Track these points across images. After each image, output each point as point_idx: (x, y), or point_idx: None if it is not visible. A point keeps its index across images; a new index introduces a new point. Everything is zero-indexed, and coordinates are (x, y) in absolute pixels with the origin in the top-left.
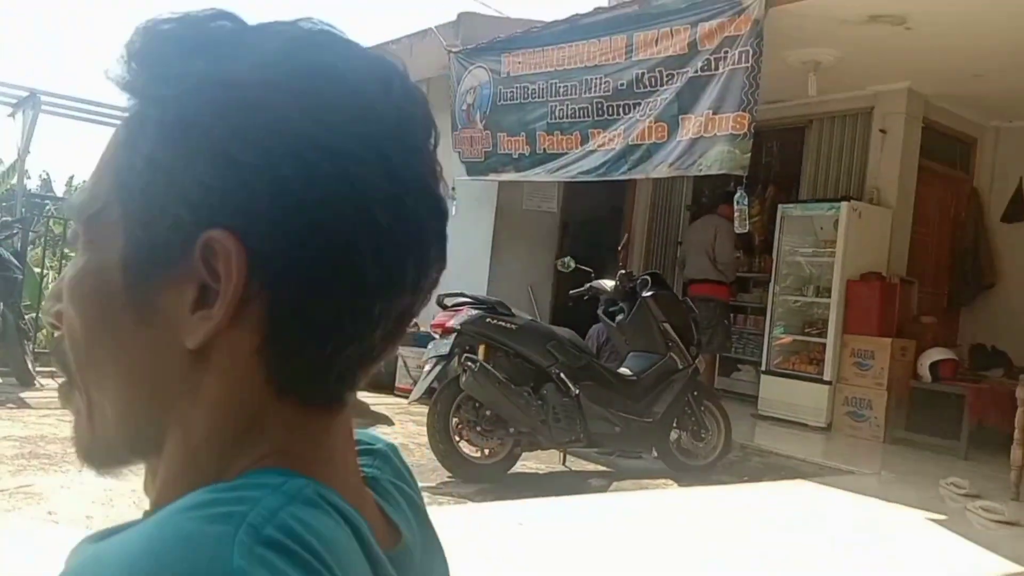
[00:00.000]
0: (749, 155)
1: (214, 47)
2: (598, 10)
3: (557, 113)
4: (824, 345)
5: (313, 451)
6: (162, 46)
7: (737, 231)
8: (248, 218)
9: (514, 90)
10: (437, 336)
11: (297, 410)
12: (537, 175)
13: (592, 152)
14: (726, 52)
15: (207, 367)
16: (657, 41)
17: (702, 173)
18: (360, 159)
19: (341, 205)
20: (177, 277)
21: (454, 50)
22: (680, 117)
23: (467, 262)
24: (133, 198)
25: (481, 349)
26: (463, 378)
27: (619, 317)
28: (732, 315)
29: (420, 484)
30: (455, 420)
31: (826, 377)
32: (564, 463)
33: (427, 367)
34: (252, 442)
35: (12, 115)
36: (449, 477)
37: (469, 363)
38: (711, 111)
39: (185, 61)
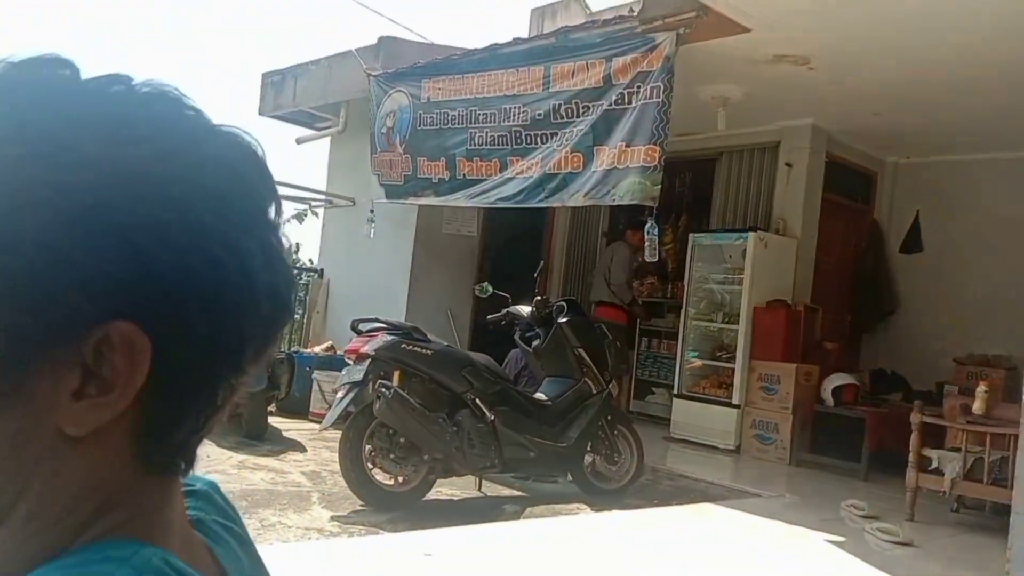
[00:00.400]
0: (659, 186)
1: (109, 128)
2: (517, 40)
3: (476, 140)
4: (733, 370)
5: (159, 517)
6: (57, 125)
7: (648, 259)
8: (151, 310)
9: (434, 115)
10: (351, 362)
11: (149, 480)
12: (457, 200)
13: (511, 179)
14: (639, 87)
15: (74, 447)
16: (573, 73)
17: (615, 203)
18: (251, 252)
19: (233, 294)
20: (57, 363)
21: (374, 73)
22: (595, 148)
23: (385, 285)
24: (14, 281)
25: (396, 375)
26: (376, 405)
27: (536, 342)
28: (631, 338)
29: (331, 513)
30: (368, 447)
31: (735, 401)
32: (480, 489)
33: (339, 394)
34: (105, 514)
35: None
36: (362, 506)
37: (383, 389)
38: (624, 143)
39: (82, 142)
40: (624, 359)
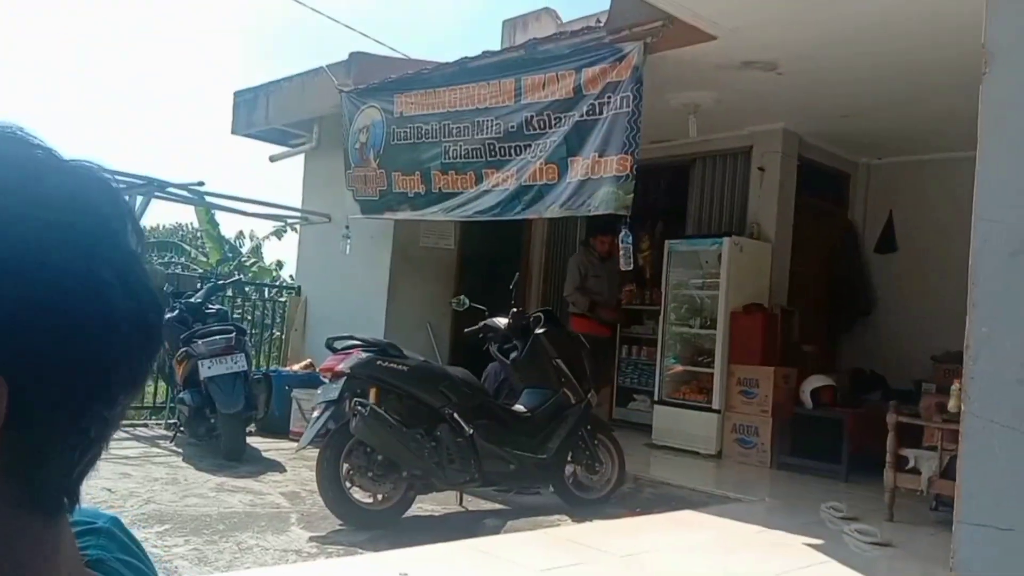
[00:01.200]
0: (632, 195)
1: None
2: (486, 54)
3: (451, 153)
4: (712, 375)
5: (43, 559)
6: None
7: (623, 268)
8: (1, 348)
9: (407, 130)
10: (327, 380)
11: (26, 522)
12: (434, 214)
13: (487, 192)
14: (609, 97)
15: None
16: (544, 85)
17: (591, 213)
18: (107, 283)
19: (89, 325)
20: None
21: (346, 89)
22: (569, 159)
23: (364, 300)
24: None
25: (372, 392)
26: (353, 422)
27: (513, 354)
28: (600, 351)
29: (310, 534)
30: (346, 466)
31: (715, 406)
32: (461, 503)
33: (315, 413)
34: None
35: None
36: (341, 525)
37: (359, 407)
38: (597, 153)
39: None
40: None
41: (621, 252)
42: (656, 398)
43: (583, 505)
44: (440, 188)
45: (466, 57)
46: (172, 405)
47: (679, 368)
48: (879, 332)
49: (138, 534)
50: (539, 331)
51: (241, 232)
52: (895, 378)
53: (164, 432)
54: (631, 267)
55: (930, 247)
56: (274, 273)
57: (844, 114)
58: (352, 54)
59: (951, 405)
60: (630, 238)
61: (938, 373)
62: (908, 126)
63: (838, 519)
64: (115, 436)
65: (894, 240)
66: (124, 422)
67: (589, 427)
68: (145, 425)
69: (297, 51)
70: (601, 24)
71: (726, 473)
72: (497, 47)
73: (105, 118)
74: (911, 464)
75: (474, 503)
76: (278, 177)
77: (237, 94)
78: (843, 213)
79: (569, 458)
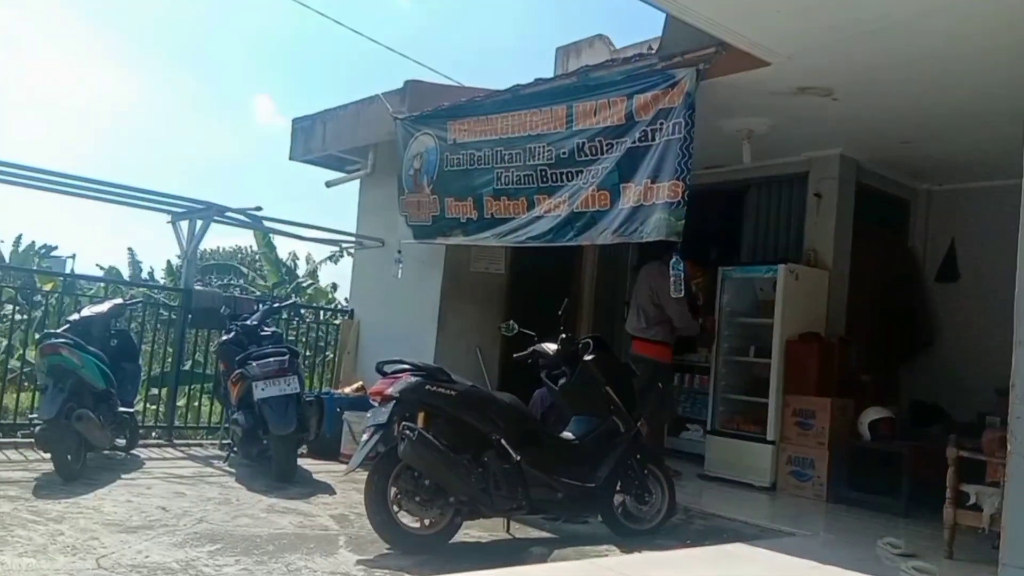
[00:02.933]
0: (683, 222)
1: None
2: (539, 81)
3: (503, 179)
4: (767, 405)
5: None
6: None
7: (673, 295)
8: None
9: (460, 156)
10: (376, 404)
11: None
12: (486, 239)
13: (539, 218)
14: (661, 123)
15: None
16: (596, 112)
17: (643, 240)
18: None
19: None
20: None
21: (400, 116)
22: (621, 186)
23: (414, 325)
24: None
25: (420, 416)
26: (401, 446)
27: (562, 381)
28: (674, 376)
29: (358, 557)
30: (394, 490)
31: (770, 437)
32: (508, 531)
33: (364, 436)
34: None
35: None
36: (388, 549)
37: (407, 431)
38: (649, 180)
39: None
40: (664, 401)
41: (672, 279)
42: (709, 428)
43: (632, 536)
44: (492, 214)
45: (519, 84)
46: (226, 426)
47: (732, 398)
48: (940, 363)
49: (190, 553)
50: (588, 357)
51: (294, 254)
52: (958, 410)
53: (218, 452)
54: (682, 294)
55: (994, 276)
56: (329, 295)
57: (904, 140)
58: (407, 82)
59: None
60: (681, 265)
61: (1003, 406)
62: (971, 152)
63: (895, 556)
64: (170, 455)
65: (956, 268)
66: (179, 441)
67: (639, 456)
68: (200, 445)
69: (353, 79)
70: (653, 51)
71: (780, 506)
72: (550, 74)
73: (171, 146)
74: (972, 500)
75: (521, 531)
76: (334, 202)
77: (295, 121)
78: (903, 240)
79: (618, 487)
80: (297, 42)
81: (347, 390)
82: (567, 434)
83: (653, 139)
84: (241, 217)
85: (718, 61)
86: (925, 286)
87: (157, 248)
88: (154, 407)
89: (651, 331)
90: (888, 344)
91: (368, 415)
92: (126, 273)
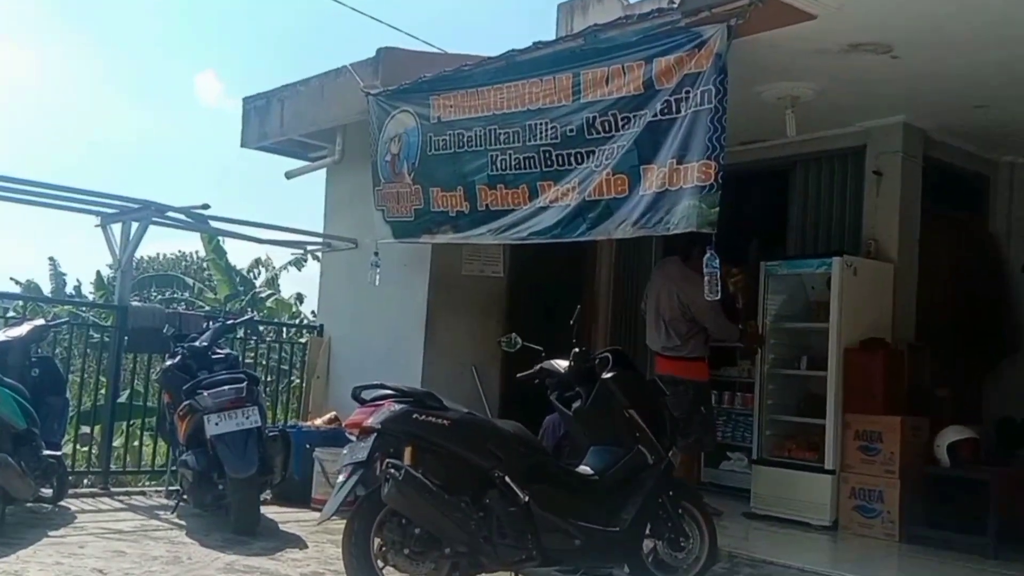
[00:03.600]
0: (717, 209)
1: None
2: (538, 45)
3: (499, 164)
4: (824, 427)
5: None
6: None
7: (708, 297)
8: None
9: (447, 137)
10: (354, 438)
11: None
12: (481, 236)
13: (544, 209)
14: (687, 92)
15: None
16: (608, 80)
17: (669, 232)
18: None
19: None
20: None
21: (373, 92)
22: (641, 168)
23: (396, 341)
24: None
25: (407, 452)
26: (385, 488)
27: (576, 404)
28: (712, 397)
29: None
30: (377, 541)
31: (828, 465)
32: None
33: (340, 477)
34: None
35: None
36: None
37: (392, 470)
38: (675, 160)
39: None
40: (709, 428)
41: (706, 279)
42: (755, 456)
43: None
44: (487, 205)
45: (514, 50)
46: (173, 469)
47: (782, 419)
48: None
49: None
50: (607, 375)
51: (257, 260)
52: None
53: (164, 501)
54: (718, 296)
55: None
56: (293, 309)
57: (979, 103)
58: (380, 50)
59: None
60: (716, 261)
61: None
62: None
63: None
64: (106, 506)
65: None
66: (117, 489)
67: (671, 493)
68: (142, 493)
69: (315, 49)
70: (675, 4)
71: (843, 549)
72: (551, 36)
73: (82, 130)
74: None
75: None
76: (296, 196)
77: (247, 100)
78: (982, 225)
79: (647, 531)
80: (245, 6)
81: (318, 422)
82: (584, 468)
83: (678, 111)
84: (185, 217)
85: (753, 15)
86: (1011, 279)
87: (84, 257)
88: (85, 449)
89: (686, 347)
90: (968, 351)
91: (344, 452)
92: (47, 288)
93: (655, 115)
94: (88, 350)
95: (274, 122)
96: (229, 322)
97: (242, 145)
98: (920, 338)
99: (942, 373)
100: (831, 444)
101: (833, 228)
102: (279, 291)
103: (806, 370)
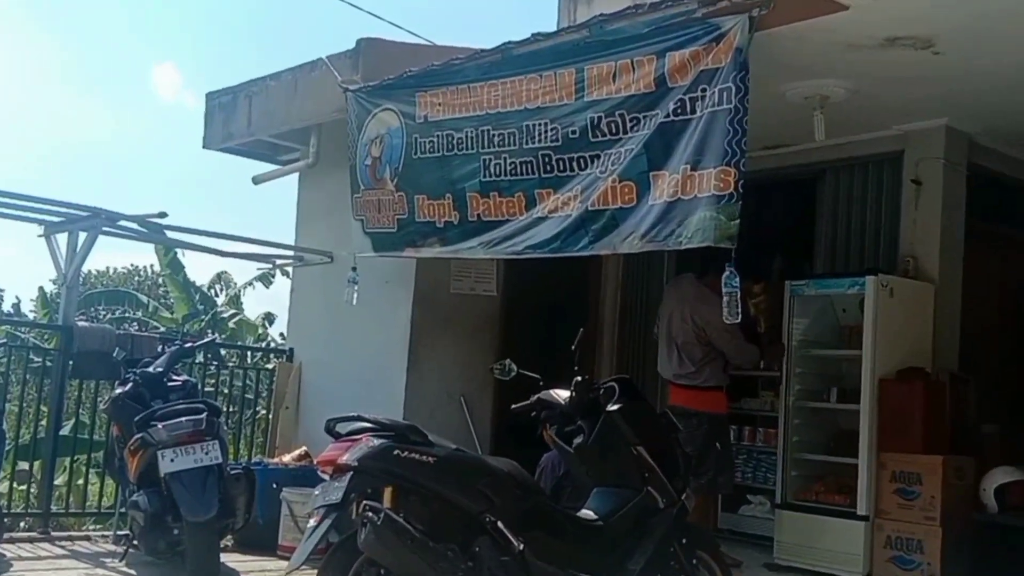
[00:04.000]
0: (737, 222)
1: None
2: (537, 37)
3: (492, 169)
4: (856, 467)
5: None
6: None
7: (727, 320)
8: None
9: (434, 139)
10: (327, 476)
11: None
12: (471, 250)
13: (542, 219)
14: (703, 90)
15: None
16: (615, 76)
17: (682, 246)
18: None
19: None
20: None
21: (352, 88)
22: (651, 174)
23: (376, 367)
24: None
25: (387, 493)
26: (362, 534)
27: (578, 440)
28: (731, 432)
29: None
30: None
31: (861, 511)
32: None
33: (312, 521)
34: None
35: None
36: None
37: (370, 513)
38: (689, 166)
39: None
40: (725, 467)
41: (725, 300)
42: (779, 500)
43: None
44: (479, 215)
45: (511, 42)
46: (122, 511)
47: (809, 458)
48: None
49: None
50: (612, 407)
51: (218, 276)
52: None
53: (112, 547)
54: (738, 319)
55: None
56: (260, 330)
57: None
58: (361, 41)
59: None
60: (737, 279)
61: None
62: None
63: None
64: (46, 552)
65: None
66: (58, 533)
67: (685, 540)
68: (86, 538)
69: (287, 39)
70: None
71: None
72: (552, 27)
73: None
74: None
75: None
76: (264, 204)
77: (211, 96)
78: None
79: None
80: None
81: (286, 459)
82: (587, 512)
83: (693, 111)
84: (138, 227)
85: (778, 4)
86: None
87: (24, 271)
88: (23, 487)
89: (700, 375)
90: (1018, 382)
91: (316, 492)
92: None
93: (667, 116)
94: (28, 376)
95: (241, 121)
96: (187, 345)
97: (204, 146)
98: (965, 368)
99: (989, 407)
100: (864, 487)
101: (867, 243)
102: (243, 311)
103: (836, 403)
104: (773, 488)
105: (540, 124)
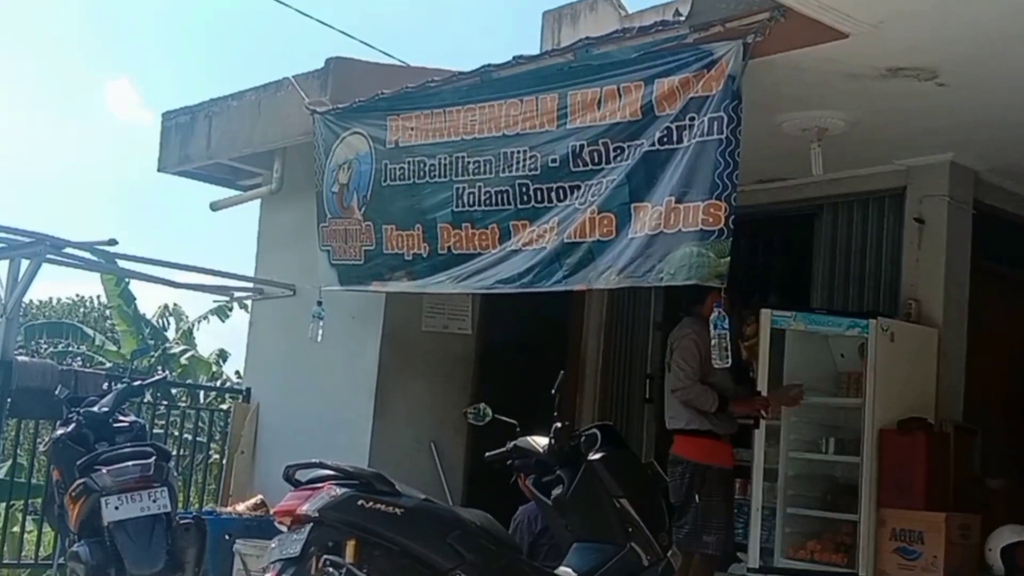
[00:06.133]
0: (728, 259)
1: None
2: (519, 60)
3: (466, 198)
4: (855, 523)
5: None
6: None
7: (717, 364)
8: None
9: (405, 166)
10: (284, 528)
11: None
12: (439, 284)
13: (516, 252)
14: (692, 118)
15: None
16: (600, 102)
17: (664, 283)
18: None
19: None
20: None
21: (320, 110)
22: (633, 206)
23: (340, 409)
24: None
25: (350, 546)
26: None
27: (556, 490)
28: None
29: None
30: None
31: (860, 571)
32: None
33: (268, 575)
34: None
35: None
36: None
37: (331, 568)
38: (673, 198)
39: None
40: (713, 522)
41: (714, 342)
42: (753, 564)
43: None
44: (449, 248)
45: (490, 65)
46: (61, 562)
47: (804, 514)
48: None
49: None
50: (594, 456)
51: (165, 307)
52: None
53: None
54: (728, 363)
55: None
56: (214, 368)
57: None
58: (330, 60)
59: None
60: (727, 321)
61: None
62: None
63: None
64: None
65: None
66: None
67: None
68: None
69: (251, 56)
70: (682, 17)
71: None
72: (535, 50)
73: None
74: None
75: None
76: (222, 232)
77: (167, 116)
78: None
79: None
80: (168, 4)
81: (240, 508)
82: (565, 570)
83: (680, 140)
84: (86, 255)
85: (774, 31)
86: None
87: None
88: None
89: (682, 419)
90: None
91: (272, 545)
92: None
93: (653, 145)
94: None
95: (199, 142)
96: (136, 383)
97: (159, 169)
98: (969, 418)
99: (996, 460)
100: (864, 545)
101: (866, 284)
102: (196, 347)
103: (833, 455)
104: (766, 546)
105: (518, 152)
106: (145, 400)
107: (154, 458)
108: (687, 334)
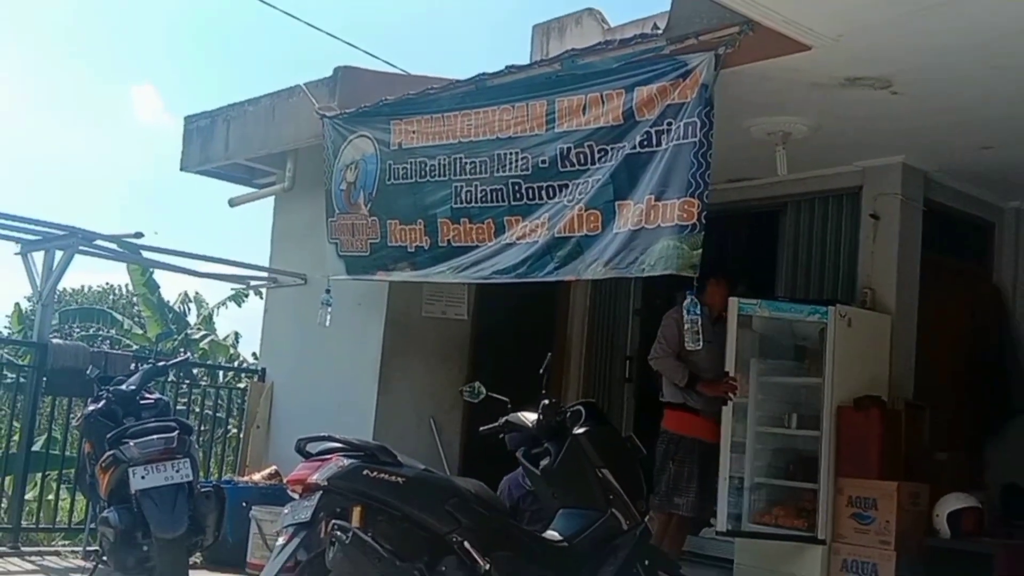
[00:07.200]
0: (699, 251)
1: None
2: (511, 69)
3: (464, 196)
4: (816, 492)
5: None
6: None
7: (689, 347)
8: None
9: (407, 166)
10: (296, 495)
11: None
12: (440, 274)
13: (510, 245)
14: (669, 123)
15: None
16: (585, 108)
17: (645, 274)
18: None
19: None
20: None
21: (329, 114)
22: (616, 203)
23: (347, 389)
24: None
25: (356, 512)
26: (330, 553)
27: (544, 462)
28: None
29: None
30: None
31: (819, 535)
32: None
33: (280, 539)
34: None
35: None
36: None
37: (339, 532)
38: (653, 196)
39: None
40: (683, 487)
41: (686, 327)
42: (723, 527)
43: None
44: (449, 241)
45: (484, 73)
46: (92, 527)
47: (769, 483)
48: None
49: None
50: (579, 430)
51: (186, 295)
52: None
53: (81, 563)
54: (699, 347)
55: None
56: (231, 351)
57: (985, 144)
58: (338, 69)
59: None
60: (698, 307)
61: None
62: None
63: None
64: (15, 568)
65: None
66: (28, 548)
67: (647, 562)
68: (56, 553)
69: (266, 65)
70: (660, 30)
71: None
72: (526, 60)
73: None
74: None
75: None
76: (240, 226)
77: (189, 120)
78: (987, 275)
79: None
80: (191, 16)
81: (256, 477)
82: (552, 533)
83: (658, 143)
84: (114, 247)
85: (743, 44)
86: (1017, 334)
87: (0, 288)
88: None
89: (666, 393)
90: (971, 410)
91: (285, 511)
92: None
93: (634, 148)
94: (1, 391)
95: (218, 144)
96: (160, 364)
97: (182, 169)
98: (920, 396)
99: (942, 435)
100: (823, 511)
101: (826, 275)
102: (215, 331)
103: (795, 429)
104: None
105: (511, 153)
106: (169, 379)
107: (177, 432)
108: (672, 314)
